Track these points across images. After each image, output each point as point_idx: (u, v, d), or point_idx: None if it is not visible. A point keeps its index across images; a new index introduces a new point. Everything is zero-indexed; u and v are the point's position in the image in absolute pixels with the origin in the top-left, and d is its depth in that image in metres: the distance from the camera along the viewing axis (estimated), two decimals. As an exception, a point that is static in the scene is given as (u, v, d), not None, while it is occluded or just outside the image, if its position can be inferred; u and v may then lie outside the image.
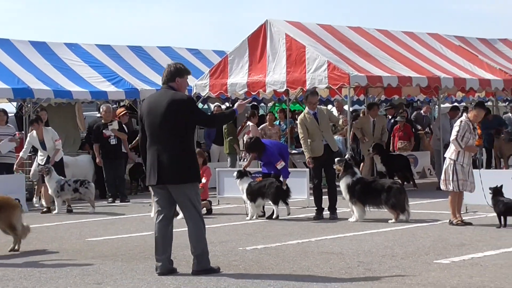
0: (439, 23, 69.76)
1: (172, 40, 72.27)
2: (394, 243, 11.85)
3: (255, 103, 25.96)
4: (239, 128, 22.28)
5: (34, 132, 17.98)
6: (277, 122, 23.31)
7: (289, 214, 15.26)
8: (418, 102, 28.79)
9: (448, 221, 13.88)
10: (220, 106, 24.95)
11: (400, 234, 12.80)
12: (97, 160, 20.03)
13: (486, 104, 21.19)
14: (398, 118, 23.82)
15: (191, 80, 15.41)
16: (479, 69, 21.65)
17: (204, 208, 15.29)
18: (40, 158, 18.09)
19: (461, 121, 13.77)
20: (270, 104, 28.65)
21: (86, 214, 17.21)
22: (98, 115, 21.94)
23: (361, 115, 22.95)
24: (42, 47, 23.12)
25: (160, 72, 23.42)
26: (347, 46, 20.52)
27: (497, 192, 13.42)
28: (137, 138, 21.62)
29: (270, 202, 15.25)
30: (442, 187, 13.98)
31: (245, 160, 19.63)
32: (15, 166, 18.36)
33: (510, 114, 26.46)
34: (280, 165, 15.33)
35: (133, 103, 23.39)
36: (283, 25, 20.39)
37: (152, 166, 9.69)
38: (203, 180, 15.62)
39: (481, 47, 23.58)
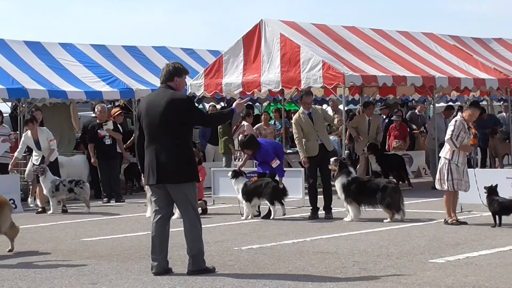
0: (434, 22, 69.89)
1: (167, 40, 72.36)
2: (389, 243, 11.85)
3: (250, 103, 25.97)
4: (234, 128, 22.28)
5: (29, 132, 17.97)
6: (272, 122, 23.32)
7: (284, 214, 15.27)
8: (413, 101, 28.84)
9: (443, 220, 13.90)
10: (215, 106, 24.97)
11: (395, 234, 12.81)
12: (92, 160, 20.02)
13: (481, 103, 21.27)
14: (394, 118, 23.84)
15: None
16: (473, 68, 21.67)
17: (200, 208, 15.28)
18: (35, 158, 18.08)
19: (456, 121, 13.78)
20: (265, 104, 28.67)
21: (81, 214, 17.20)
22: (93, 115, 21.94)
23: (357, 114, 22.98)
24: (36, 47, 23.09)
25: (155, 72, 23.59)
26: (342, 46, 20.52)
27: (492, 191, 13.43)
28: (132, 138, 21.72)
29: (265, 201, 15.26)
30: (437, 186, 14.00)
31: (240, 160, 19.63)
32: (10, 166, 18.36)
33: (504, 114, 26.48)
34: (275, 163, 15.34)
35: (128, 103, 23.38)
36: (278, 25, 20.39)
37: (150, 165, 9.68)
38: (199, 180, 15.61)
39: (476, 47, 23.61)
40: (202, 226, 9.89)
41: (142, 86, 22.47)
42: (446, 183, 13.71)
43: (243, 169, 16.09)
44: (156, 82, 22.46)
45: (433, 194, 17.43)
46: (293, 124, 15.67)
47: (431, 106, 25.11)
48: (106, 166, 19.86)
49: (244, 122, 21.52)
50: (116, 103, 24.58)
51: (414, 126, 25.71)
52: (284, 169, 15.99)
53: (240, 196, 15.51)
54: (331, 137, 18.70)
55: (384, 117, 24.26)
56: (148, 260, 9.99)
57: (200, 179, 16.15)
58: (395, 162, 21.31)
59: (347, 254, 10.90)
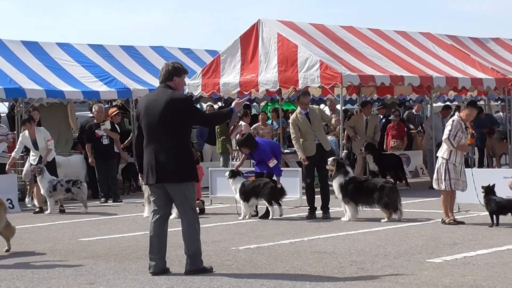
0: (431, 22, 69.90)
1: (165, 40, 72.17)
2: (386, 242, 11.86)
3: (248, 103, 25.96)
4: (232, 127, 22.28)
5: (26, 132, 17.96)
6: (269, 122, 23.32)
7: (281, 215, 15.24)
8: (410, 101, 28.85)
9: (440, 220, 13.90)
10: (213, 106, 24.99)
11: (392, 233, 12.81)
12: (90, 160, 20.01)
13: (478, 103, 21.27)
14: (392, 117, 23.85)
15: (183, 80, 15.40)
16: (471, 68, 21.69)
17: (197, 208, 15.25)
18: (32, 158, 18.06)
19: (453, 120, 13.79)
20: (262, 104, 28.67)
21: (79, 214, 17.19)
22: (90, 115, 21.92)
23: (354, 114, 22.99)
24: (34, 47, 23.09)
25: (152, 72, 23.58)
26: (339, 46, 20.53)
27: (489, 191, 13.43)
28: (130, 138, 21.72)
29: (263, 201, 15.26)
30: (435, 186, 14.00)
31: (238, 159, 19.63)
32: (7, 166, 18.34)
33: (501, 113, 26.52)
34: (272, 163, 15.34)
35: (125, 103, 23.37)
36: (275, 25, 20.40)
37: (149, 165, 9.67)
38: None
39: (473, 46, 23.63)
40: (200, 226, 9.89)
41: (139, 86, 22.47)
42: (443, 182, 13.72)
43: (240, 169, 16.08)
44: (154, 82, 22.46)
45: (430, 194, 17.44)
46: (290, 124, 15.67)
47: (429, 105, 25.12)
48: (103, 166, 19.84)
49: (241, 122, 21.52)
50: (114, 103, 24.57)
51: (412, 126, 25.72)
52: (282, 169, 15.99)
53: (237, 196, 15.50)
54: (329, 137, 18.71)
55: (381, 117, 24.27)
56: (146, 260, 9.98)
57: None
58: (393, 162, 21.32)
59: (344, 254, 10.91)
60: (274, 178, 15.34)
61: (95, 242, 12.82)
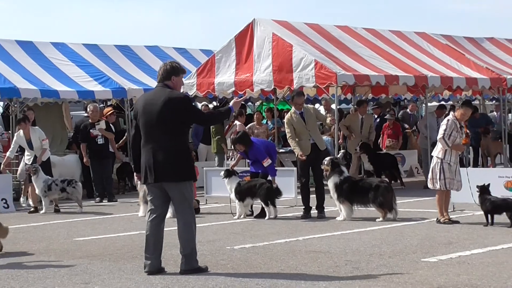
0: (426, 22, 69.97)
1: (159, 39, 72.11)
2: (381, 242, 11.86)
3: (243, 103, 25.95)
4: (227, 127, 22.28)
5: (21, 131, 17.93)
6: (264, 121, 23.31)
7: (276, 216, 15.21)
8: (405, 101, 28.86)
9: (435, 219, 13.91)
10: (208, 105, 24.96)
11: (387, 233, 12.82)
12: (84, 160, 19.99)
13: (473, 102, 21.28)
14: (387, 116, 23.85)
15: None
16: (466, 67, 21.71)
17: (192, 207, 15.27)
18: (27, 157, 18.04)
19: (448, 120, 13.80)
20: (257, 103, 28.66)
21: (74, 213, 17.18)
22: (85, 114, 21.90)
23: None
24: (28, 47, 23.04)
25: (147, 71, 23.57)
26: (334, 45, 20.53)
27: (484, 190, 13.45)
28: (124, 137, 21.70)
29: (258, 201, 15.26)
30: (430, 185, 14.01)
31: (233, 159, 19.62)
32: (2, 166, 18.29)
33: (495, 113, 26.56)
34: (266, 162, 15.34)
35: (120, 102, 23.35)
36: (270, 24, 20.39)
37: (148, 164, 9.66)
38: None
39: (468, 46, 23.65)
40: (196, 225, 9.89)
41: (134, 86, 22.45)
42: (438, 182, 13.73)
43: (235, 168, 16.08)
44: (149, 81, 22.47)
45: (425, 193, 17.45)
46: (285, 124, 15.67)
47: (423, 105, 25.13)
48: (98, 166, 19.83)
49: (236, 122, 21.52)
50: (109, 103, 24.54)
51: (406, 126, 25.74)
52: (277, 168, 15.98)
53: (232, 195, 15.50)
54: (324, 137, 18.70)
55: (376, 116, 24.27)
56: (141, 260, 9.98)
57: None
58: (388, 161, 21.33)
59: (339, 253, 10.91)
60: (269, 178, 15.34)
61: (90, 241, 12.81)
